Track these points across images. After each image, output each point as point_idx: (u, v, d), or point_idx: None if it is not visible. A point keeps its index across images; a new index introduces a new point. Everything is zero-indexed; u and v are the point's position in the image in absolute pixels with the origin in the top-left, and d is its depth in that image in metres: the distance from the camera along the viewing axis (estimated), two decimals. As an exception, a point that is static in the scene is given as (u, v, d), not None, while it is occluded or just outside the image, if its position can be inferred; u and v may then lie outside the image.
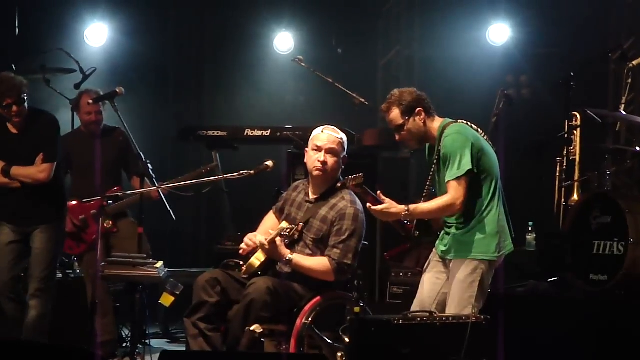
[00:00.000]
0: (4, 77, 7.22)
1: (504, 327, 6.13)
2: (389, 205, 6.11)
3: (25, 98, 7.24)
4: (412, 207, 6.11)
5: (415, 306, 6.28)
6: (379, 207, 6.10)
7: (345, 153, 6.71)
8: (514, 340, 6.14)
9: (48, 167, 7.29)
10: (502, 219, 6.21)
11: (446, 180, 6.11)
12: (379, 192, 6.14)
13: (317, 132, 6.72)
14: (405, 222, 6.34)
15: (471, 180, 6.09)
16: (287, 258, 6.48)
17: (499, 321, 6.15)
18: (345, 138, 6.74)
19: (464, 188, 6.06)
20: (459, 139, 6.12)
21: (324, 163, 6.60)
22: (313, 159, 6.64)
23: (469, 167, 6.05)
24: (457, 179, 6.06)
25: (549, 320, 7.29)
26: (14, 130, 7.36)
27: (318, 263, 6.53)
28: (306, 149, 6.75)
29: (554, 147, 8.45)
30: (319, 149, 6.63)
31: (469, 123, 6.30)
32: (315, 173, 6.66)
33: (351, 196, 6.61)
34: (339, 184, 6.39)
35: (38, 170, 7.29)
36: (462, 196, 6.06)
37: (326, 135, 6.67)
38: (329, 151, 6.62)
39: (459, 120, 6.28)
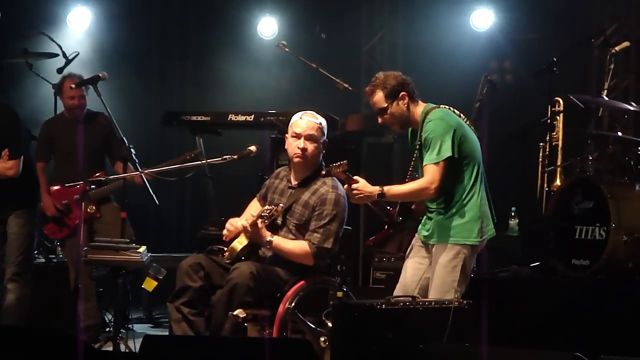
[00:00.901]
0: None
1: (487, 311, 6.15)
2: (363, 185, 6.12)
3: None
4: (386, 188, 6.12)
5: (397, 291, 6.30)
6: (353, 185, 6.10)
7: (325, 137, 6.70)
8: (497, 324, 6.15)
9: (15, 163, 7.28)
10: (484, 204, 6.22)
11: (424, 164, 6.12)
12: (355, 177, 6.15)
13: (295, 119, 6.72)
14: (388, 207, 6.36)
15: (452, 165, 6.10)
16: (268, 240, 6.48)
17: (482, 305, 6.17)
18: (324, 122, 6.74)
19: (441, 173, 6.07)
20: (441, 125, 6.13)
21: (304, 150, 6.60)
22: (293, 145, 6.64)
23: (449, 153, 6.06)
24: (435, 164, 6.07)
25: (532, 305, 7.32)
26: None
27: (297, 246, 6.54)
28: (286, 135, 6.74)
29: (536, 132, 8.46)
30: (298, 136, 6.62)
31: (452, 108, 6.31)
32: (296, 160, 6.66)
33: (333, 181, 6.61)
34: (323, 172, 6.38)
35: (5, 167, 7.26)
36: (437, 181, 6.06)
37: (305, 122, 6.66)
38: (308, 137, 6.61)
39: (441, 106, 6.29)
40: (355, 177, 6.14)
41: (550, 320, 7.13)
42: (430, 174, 6.08)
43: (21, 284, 7.38)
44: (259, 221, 6.47)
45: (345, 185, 6.19)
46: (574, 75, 9.38)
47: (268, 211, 6.51)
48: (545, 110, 8.23)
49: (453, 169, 6.12)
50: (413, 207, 6.41)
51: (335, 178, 6.55)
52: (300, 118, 6.69)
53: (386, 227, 6.50)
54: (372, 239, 6.76)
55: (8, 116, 7.38)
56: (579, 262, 7.39)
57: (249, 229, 6.46)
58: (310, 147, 6.61)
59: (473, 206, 6.17)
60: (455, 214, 6.17)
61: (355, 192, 6.13)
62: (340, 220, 6.61)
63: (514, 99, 10.38)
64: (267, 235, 6.49)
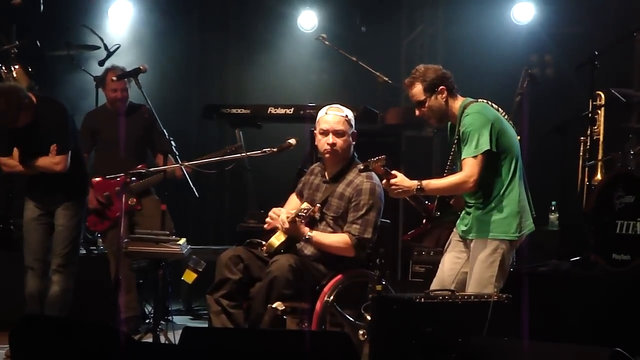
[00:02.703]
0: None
1: (526, 305, 6.13)
2: (401, 179, 6.10)
3: (23, 103, 7.16)
4: (424, 182, 6.10)
5: (434, 285, 6.28)
6: (391, 180, 6.10)
7: (353, 129, 6.68)
8: (536, 318, 6.13)
9: (63, 158, 7.32)
10: (522, 199, 6.19)
11: (462, 158, 6.10)
12: (393, 171, 6.13)
13: (321, 114, 6.71)
14: (426, 202, 6.35)
15: (490, 159, 6.07)
16: (307, 236, 6.49)
17: (521, 300, 6.15)
18: (350, 114, 6.71)
19: (479, 167, 6.04)
20: (479, 118, 6.10)
21: (333, 145, 6.60)
22: (322, 142, 6.64)
23: (487, 147, 6.03)
24: (474, 157, 6.04)
25: (572, 299, 7.29)
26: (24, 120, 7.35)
27: (338, 239, 6.54)
28: (315, 131, 6.74)
29: (577, 126, 8.42)
30: (325, 132, 6.62)
31: (490, 102, 6.28)
32: (327, 156, 6.67)
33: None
34: (361, 166, 6.37)
35: (53, 162, 7.31)
36: (476, 174, 6.03)
37: (330, 117, 6.65)
38: (336, 133, 6.60)
39: (479, 100, 6.26)
40: (394, 172, 6.12)
41: (590, 315, 7.10)
42: (469, 168, 6.06)
43: (66, 276, 7.44)
44: (297, 219, 6.47)
45: (384, 180, 6.17)
46: (615, 69, 9.28)
47: (305, 211, 6.51)
48: (586, 104, 8.18)
49: (491, 163, 6.09)
50: (452, 201, 6.39)
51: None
52: (326, 113, 6.68)
53: (424, 221, 6.48)
54: (410, 234, 6.74)
55: (56, 111, 7.42)
56: (619, 257, 7.35)
57: (287, 226, 6.48)
58: (339, 141, 6.60)
59: (512, 201, 6.14)
60: (494, 208, 6.14)
61: (393, 187, 6.11)
62: (378, 209, 6.61)
63: (555, 93, 10.31)
64: (306, 232, 6.50)
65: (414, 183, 6.08)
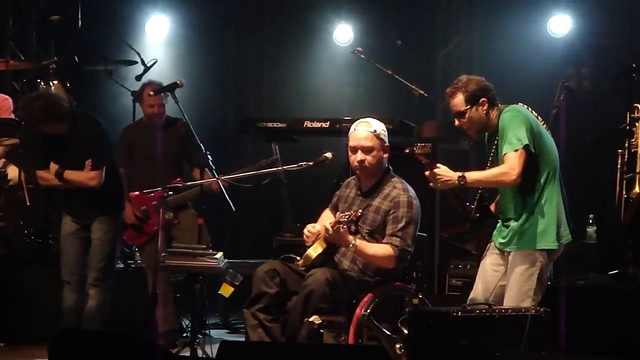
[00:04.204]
0: (34, 108, 7.23)
1: (564, 319, 6.10)
2: (444, 170, 6.07)
3: (62, 113, 7.25)
4: (467, 173, 6.07)
5: (472, 298, 6.26)
6: (435, 170, 6.06)
7: (385, 142, 6.64)
8: (574, 333, 6.10)
9: (97, 174, 7.38)
10: (560, 209, 6.15)
11: (503, 154, 6.04)
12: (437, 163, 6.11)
13: (350, 130, 6.70)
14: (467, 203, 6.31)
15: (529, 160, 6.03)
16: (352, 244, 6.45)
17: (559, 314, 6.12)
18: (380, 128, 6.65)
19: (521, 161, 5.98)
20: (517, 115, 6.09)
21: (362, 162, 6.59)
22: (352, 158, 6.64)
23: (527, 141, 5.99)
24: (515, 150, 5.99)
25: (610, 313, 7.24)
26: (61, 133, 7.41)
27: (381, 250, 6.51)
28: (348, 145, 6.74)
29: (615, 139, 8.37)
30: (354, 149, 6.61)
31: (529, 108, 6.26)
32: (357, 172, 6.67)
33: (402, 184, 6.60)
34: (407, 150, 6.33)
35: (88, 177, 7.37)
36: (518, 167, 5.97)
37: (358, 133, 6.63)
38: (364, 149, 6.59)
39: (519, 104, 6.24)
40: (437, 164, 6.11)
41: (629, 329, 7.04)
42: (511, 161, 5.99)
43: (102, 290, 7.48)
44: (341, 227, 6.45)
45: (427, 171, 6.12)
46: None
47: (347, 217, 6.45)
48: (623, 116, 8.14)
49: (529, 165, 6.04)
50: (491, 205, 6.37)
51: (403, 181, 6.57)
52: (355, 129, 6.66)
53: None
54: (448, 231, 6.69)
55: (92, 126, 7.47)
56: (658, 271, 7.30)
57: (331, 232, 6.42)
58: (367, 157, 6.58)
59: (550, 211, 6.10)
60: (532, 219, 6.10)
61: (437, 176, 6.08)
62: (416, 223, 6.59)
63: (592, 106, 10.26)
64: (351, 240, 6.45)
65: (457, 174, 6.06)
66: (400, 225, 6.53)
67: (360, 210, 6.50)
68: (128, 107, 9.36)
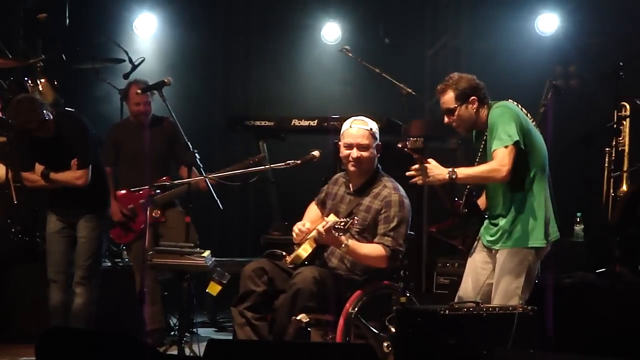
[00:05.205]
0: (20, 108, 7.24)
1: (552, 317, 6.11)
2: (435, 165, 6.06)
3: (46, 115, 7.24)
4: (457, 169, 6.07)
5: (459, 296, 6.27)
6: (426, 164, 6.05)
7: (377, 141, 6.66)
8: (562, 331, 6.11)
9: (83, 173, 7.39)
10: (548, 206, 6.16)
11: (492, 150, 6.05)
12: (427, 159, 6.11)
13: (346, 127, 6.69)
14: (455, 198, 6.31)
15: (518, 161, 6.02)
16: (344, 244, 6.42)
17: (546, 312, 6.13)
18: (375, 126, 6.69)
19: (511, 157, 5.99)
20: (507, 111, 6.10)
21: (357, 159, 6.59)
22: (346, 155, 6.63)
23: (517, 138, 5.99)
24: (505, 147, 5.99)
25: (597, 311, 7.25)
26: (45, 135, 7.40)
27: (373, 249, 6.51)
28: (339, 143, 6.73)
29: (603, 137, 8.39)
30: (350, 146, 6.60)
31: (519, 105, 6.26)
32: (351, 169, 6.66)
33: (393, 183, 6.61)
34: (399, 145, 6.34)
35: (75, 177, 7.39)
36: (508, 164, 5.98)
37: (355, 130, 6.63)
38: (360, 147, 6.59)
39: (509, 100, 6.25)
40: (428, 159, 6.10)
41: (616, 327, 7.06)
42: (501, 157, 6.00)
43: (89, 288, 7.48)
44: (333, 232, 6.42)
45: (417, 165, 6.11)
46: (640, 80, 9.27)
47: (343, 224, 6.38)
48: (611, 115, 8.16)
49: (519, 165, 6.05)
50: (479, 201, 6.37)
51: (393, 179, 6.57)
52: (350, 126, 6.66)
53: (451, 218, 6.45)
54: (436, 226, 6.69)
55: (76, 126, 7.48)
56: (645, 269, 7.32)
57: (325, 236, 6.40)
58: (363, 155, 6.59)
59: (538, 209, 6.11)
60: (520, 216, 6.12)
61: (427, 172, 6.06)
62: (407, 222, 6.60)
63: (579, 104, 10.27)
64: (343, 240, 6.41)
65: (448, 169, 6.06)
66: (392, 225, 6.53)
67: (357, 219, 6.46)
68: (116, 105, 9.34)
